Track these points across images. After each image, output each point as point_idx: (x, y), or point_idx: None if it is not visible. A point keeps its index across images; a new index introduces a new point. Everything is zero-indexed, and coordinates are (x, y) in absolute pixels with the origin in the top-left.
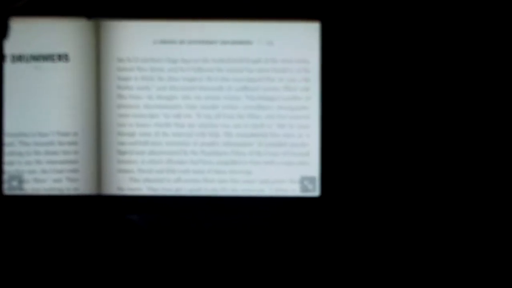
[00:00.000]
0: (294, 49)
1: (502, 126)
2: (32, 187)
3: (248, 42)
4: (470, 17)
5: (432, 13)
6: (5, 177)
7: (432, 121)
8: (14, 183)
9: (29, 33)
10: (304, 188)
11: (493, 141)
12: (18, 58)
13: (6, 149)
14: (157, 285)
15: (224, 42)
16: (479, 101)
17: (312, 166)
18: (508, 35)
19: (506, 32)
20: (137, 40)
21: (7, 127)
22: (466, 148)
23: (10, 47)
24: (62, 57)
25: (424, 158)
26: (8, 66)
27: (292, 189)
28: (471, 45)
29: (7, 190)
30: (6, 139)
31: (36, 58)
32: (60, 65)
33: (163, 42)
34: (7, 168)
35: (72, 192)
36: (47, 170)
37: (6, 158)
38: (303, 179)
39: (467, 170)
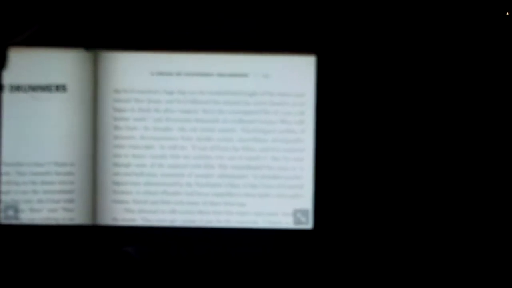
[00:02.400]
0: (290, 82)
1: (499, 128)
2: (28, 217)
3: (244, 75)
4: (467, 45)
5: (427, 45)
6: (1, 206)
7: (430, 152)
8: (10, 213)
9: (27, 63)
10: (297, 221)
11: (491, 147)
12: (16, 88)
13: (3, 179)
14: None
15: (221, 75)
16: (473, 118)
17: (305, 199)
18: (505, 38)
19: (503, 36)
20: (134, 72)
21: (4, 156)
22: (461, 181)
23: (8, 77)
24: (60, 88)
25: (418, 190)
26: (6, 96)
27: (286, 222)
28: (466, 73)
29: (3, 219)
30: (3, 169)
31: (34, 88)
32: (58, 95)
33: (160, 73)
34: (3, 197)
35: (67, 222)
36: (43, 200)
37: (3, 188)
38: (296, 212)
39: (462, 199)
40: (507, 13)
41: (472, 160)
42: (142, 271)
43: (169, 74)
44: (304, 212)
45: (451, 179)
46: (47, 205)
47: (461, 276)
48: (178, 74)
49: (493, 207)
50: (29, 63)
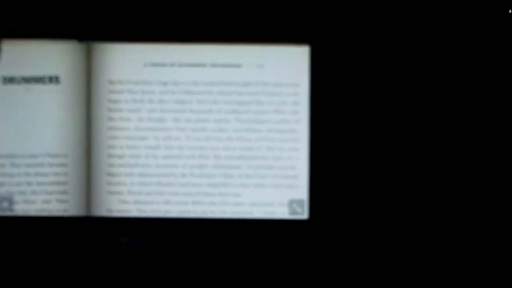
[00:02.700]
0: (284, 72)
1: (497, 129)
2: (22, 209)
3: (238, 65)
4: (466, 43)
5: (421, 35)
6: None
7: (423, 141)
8: (5, 204)
9: (20, 55)
10: (292, 211)
11: (485, 143)
12: (10, 80)
13: None
14: None
15: (214, 65)
16: (470, 125)
17: (301, 189)
18: (505, 39)
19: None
20: (128, 63)
21: None
22: (458, 165)
23: (1, 69)
24: (53, 79)
25: (413, 180)
26: None
27: (281, 212)
28: (464, 69)
29: None
30: None
31: (27, 80)
32: (51, 87)
33: (154, 65)
34: None
35: (61, 213)
36: (37, 192)
37: None
38: (291, 202)
39: (461, 187)
40: (510, 11)
41: (466, 153)
42: (136, 262)
43: (163, 65)
44: (299, 202)
45: (447, 170)
46: (41, 196)
47: (457, 268)
48: (172, 65)
49: (488, 205)
50: (22, 55)
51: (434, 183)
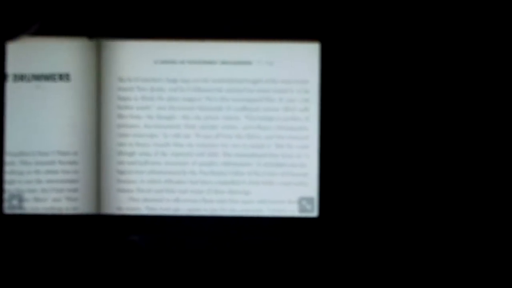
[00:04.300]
0: (294, 69)
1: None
2: (32, 206)
3: (248, 63)
4: (471, 40)
5: (431, 32)
6: (6, 196)
7: (434, 137)
8: (14, 202)
9: (30, 53)
10: (302, 209)
11: (496, 150)
12: (20, 77)
13: (7, 168)
14: None
15: (224, 62)
16: (476, 122)
17: (310, 187)
18: (507, 37)
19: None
20: (138, 60)
21: (8, 146)
22: (467, 162)
23: (11, 66)
24: (63, 77)
25: (424, 179)
26: (9, 86)
27: (291, 210)
28: (472, 65)
29: (7, 209)
30: (7, 158)
31: (37, 77)
32: (61, 84)
33: (164, 62)
34: (7, 187)
35: (71, 211)
36: (47, 189)
37: (7, 177)
38: (301, 200)
39: (470, 184)
40: None
41: (478, 148)
42: (146, 260)
43: (173, 62)
44: (309, 200)
45: (461, 167)
46: (51, 194)
47: (465, 266)
48: (182, 62)
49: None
50: (32, 53)
51: (447, 182)
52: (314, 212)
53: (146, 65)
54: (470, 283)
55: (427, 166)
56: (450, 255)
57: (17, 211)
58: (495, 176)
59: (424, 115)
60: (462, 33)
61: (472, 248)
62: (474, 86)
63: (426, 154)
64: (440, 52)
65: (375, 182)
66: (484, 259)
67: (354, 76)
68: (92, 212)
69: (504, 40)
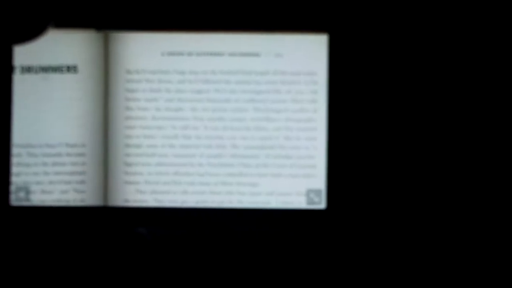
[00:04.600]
0: (302, 61)
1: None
2: (39, 198)
3: (256, 54)
4: (480, 29)
5: (439, 24)
6: (13, 188)
7: (440, 132)
8: (21, 194)
9: (38, 45)
10: (310, 201)
11: (503, 146)
12: (27, 69)
13: (14, 160)
14: None
15: (232, 54)
16: (483, 118)
17: (318, 179)
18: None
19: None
20: (146, 52)
21: (15, 138)
22: (473, 156)
23: (19, 58)
24: (71, 69)
25: (431, 170)
26: (17, 77)
27: (298, 202)
28: (484, 56)
29: (14, 201)
30: (14, 150)
31: (45, 69)
32: (69, 76)
33: (171, 54)
34: (14, 179)
35: (78, 203)
36: (54, 182)
37: (14, 169)
38: (309, 192)
39: (475, 178)
40: None
41: (484, 147)
42: (154, 252)
43: (180, 54)
44: (317, 192)
45: (469, 164)
46: (58, 186)
47: (469, 261)
48: (190, 54)
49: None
50: (40, 44)
51: (455, 176)
52: (322, 204)
53: (153, 57)
54: (470, 273)
55: (436, 160)
56: (455, 248)
57: (24, 203)
58: (503, 176)
59: (432, 108)
60: (469, 24)
61: (472, 239)
62: (478, 80)
63: (435, 147)
64: (449, 47)
65: (383, 175)
66: (484, 255)
67: (362, 68)
68: (99, 204)
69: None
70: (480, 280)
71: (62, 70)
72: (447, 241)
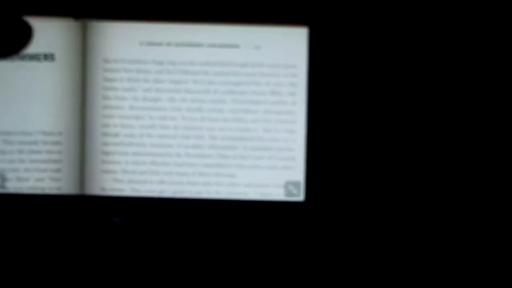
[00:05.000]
0: (282, 53)
1: (500, 130)
2: (14, 186)
3: (235, 46)
4: (465, 26)
5: (421, 18)
6: None
7: (420, 126)
8: None
9: None
10: (288, 193)
11: (490, 151)
12: None
13: None
14: (138, 286)
15: (211, 45)
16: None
17: (297, 171)
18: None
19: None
20: (124, 42)
21: None
22: (455, 154)
23: None
24: (48, 57)
25: (410, 163)
26: None
27: (277, 193)
28: (467, 56)
29: None
30: None
31: (21, 57)
32: (46, 64)
33: (150, 44)
34: None
35: (54, 191)
36: (30, 169)
37: None
38: (287, 184)
39: (457, 176)
40: None
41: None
42: (130, 241)
43: (159, 44)
44: (295, 184)
45: (443, 160)
46: (34, 174)
47: (449, 256)
48: (168, 44)
49: (485, 205)
50: None
51: (431, 172)
52: (300, 197)
53: (132, 46)
54: (452, 270)
55: (414, 153)
56: (433, 242)
57: (0, 191)
58: (479, 174)
59: (412, 102)
60: (452, 19)
61: (455, 233)
62: (463, 74)
63: (414, 141)
64: (429, 41)
65: (362, 168)
66: (465, 249)
67: (342, 61)
68: (76, 193)
69: (492, 35)
70: (460, 274)
71: (39, 58)
72: (425, 234)
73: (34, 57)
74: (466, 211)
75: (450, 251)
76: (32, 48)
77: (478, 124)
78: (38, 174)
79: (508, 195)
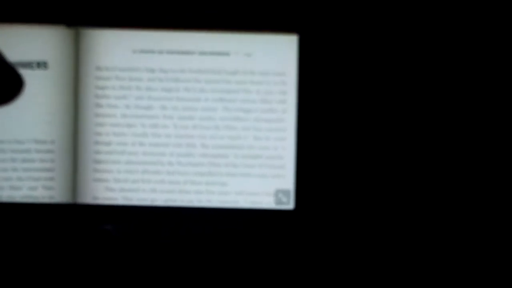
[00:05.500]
0: (272, 61)
1: (497, 130)
2: (7, 195)
3: (226, 54)
4: (454, 30)
5: (409, 24)
6: None
7: (411, 134)
8: None
9: (8, 40)
10: (278, 201)
11: (486, 152)
12: None
13: None
14: None
15: (202, 53)
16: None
17: (287, 179)
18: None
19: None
20: (116, 49)
21: None
22: (445, 151)
23: None
24: (41, 65)
25: (399, 173)
26: None
27: (267, 202)
28: (458, 60)
29: None
30: None
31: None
32: (39, 72)
33: (142, 51)
34: None
35: (47, 200)
36: (23, 178)
37: None
38: (278, 192)
39: (448, 179)
40: None
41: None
42: (122, 250)
43: (151, 52)
44: (285, 192)
45: (433, 161)
46: (27, 183)
47: (439, 254)
48: (160, 52)
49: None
50: (10, 40)
51: (422, 174)
52: (290, 205)
53: (124, 54)
54: (442, 268)
55: (404, 159)
56: (425, 244)
57: None
58: (470, 172)
59: (402, 109)
60: (440, 22)
61: (448, 236)
62: (449, 73)
63: (403, 147)
64: (419, 49)
65: (352, 175)
66: (454, 245)
67: (331, 69)
68: (68, 201)
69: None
70: (452, 274)
71: (32, 66)
72: (415, 242)
73: (27, 65)
74: (461, 228)
75: (442, 259)
76: (25, 56)
77: (473, 126)
78: (31, 183)
79: (502, 194)
